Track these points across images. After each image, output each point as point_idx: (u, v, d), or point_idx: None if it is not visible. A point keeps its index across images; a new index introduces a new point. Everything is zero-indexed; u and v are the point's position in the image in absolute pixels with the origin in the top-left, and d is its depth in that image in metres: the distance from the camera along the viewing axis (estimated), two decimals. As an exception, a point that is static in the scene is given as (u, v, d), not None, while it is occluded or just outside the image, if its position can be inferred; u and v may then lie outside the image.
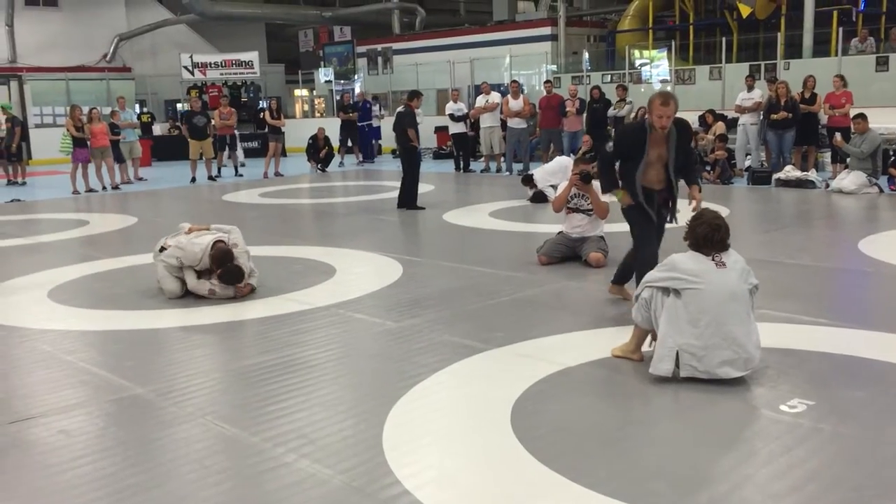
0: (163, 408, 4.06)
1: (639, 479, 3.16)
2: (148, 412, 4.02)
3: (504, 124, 15.54)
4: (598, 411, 3.86)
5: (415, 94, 11.36)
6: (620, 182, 5.26)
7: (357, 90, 21.75)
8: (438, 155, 19.74)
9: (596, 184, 6.94)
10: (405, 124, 10.91)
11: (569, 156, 12.74)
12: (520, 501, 3.03)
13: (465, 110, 16.29)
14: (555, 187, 10.46)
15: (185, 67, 23.68)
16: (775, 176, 12.25)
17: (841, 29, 16.71)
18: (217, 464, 3.43)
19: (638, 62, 20.61)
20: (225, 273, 6.07)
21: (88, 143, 14.61)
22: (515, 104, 15.15)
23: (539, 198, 11.12)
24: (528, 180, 11.43)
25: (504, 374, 4.37)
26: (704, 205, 4.81)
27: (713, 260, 4.10)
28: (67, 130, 14.79)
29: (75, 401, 4.21)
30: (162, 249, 6.36)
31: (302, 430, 3.72)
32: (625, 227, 8.59)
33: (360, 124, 18.93)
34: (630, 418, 3.76)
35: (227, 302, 6.08)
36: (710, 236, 4.12)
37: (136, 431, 3.80)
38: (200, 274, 6.19)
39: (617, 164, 5.33)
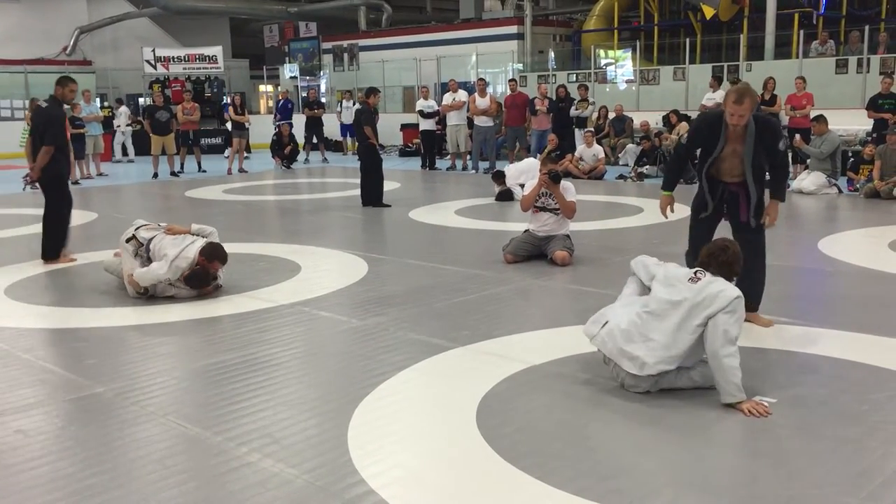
0: (123, 407, 3.99)
1: (604, 477, 3.17)
2: (108, 411, 3.95)
3: (470, 122, 15.56)
4: (563, 409, 3.86)
5: (372, 91, 11.27)
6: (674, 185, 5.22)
7: (280, 89, 21.16)
8: (404, 152, 19.70)
9: (564, 183, 6.99)
10: (362, 121, 10.85)
11: (535, 157, 12.79)
12: (486, 500, 3.03)
13: (437, 107, 16.28)
14: (523, 185, 10.52)
15: (148, 61, 23.35)
16: (737, 176, 12.39)
17: (802, 31, 17.00)
18: (179, 464, 3.38)
19: (603, 62, 20.77)
20: (191, 277, 5.96)
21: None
22: (482, 102, 15.17)
23: (505, 196, 11.16)
24: (499, 176, 11.45)
25: (470, 372, 4.36)
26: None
27: (695, 274, 3.98)
28: (28, 124, 14.48)
29: (33, 400, 4.12)
30: (129, 240, 6.19)
31: (266, 430, 3.67)
32: (591, 225, 8.72)
33: (279, 123, 17.97)
34: (596, 416, 3.77)
35: (190, 300, 5.99)
36: (715, 253, 4.04)
37: (96, 431, 3.73)
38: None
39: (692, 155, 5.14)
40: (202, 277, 5.99)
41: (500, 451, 3.37)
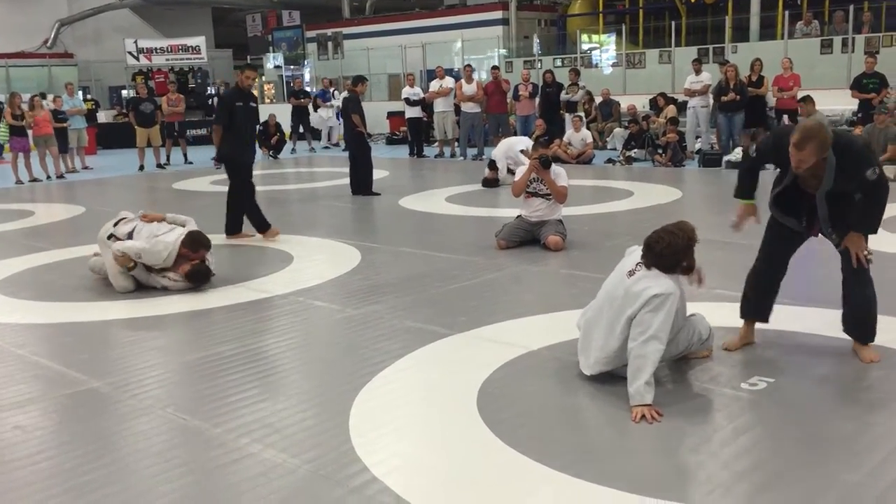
0: (120, 401, 3.96)
1: (605, 459, 3.18)
2: (105, 406, 3.93)
3: (458, 109, 15.51)
4: (563, 394, 3.87)
5: (359, 80, 11.22)
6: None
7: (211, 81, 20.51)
8: (391, 140, 19.62)
9: (554, 169, 6.98)
10: (350, 110, 10.80)
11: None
12: (489, 485, 3.03)
13: (422, 94, 16.21)
14: (512, 172, 10.55)
15: (130, 53, 23.13)
16: (725, 158, 12.43)
17: (787, 12, 17.01)
18: (179, 456, 3.36)
19: (586, 46, 20.72)
20: (193, 273, 5.93)
21: (29, 131, 14.19)
22: (469, 89, 15.12)
23: (490, 184, 11.17)
24: (494, 164, 11.44)
25: (468, 358, 4.36)
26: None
27: (635, 266, 3.79)
28: (4, 119, 14.36)
29: (29, 395, 4.09)
30: (111, 237, 6.15)
31: (266, 420, 3.66)
32: (582, 210, 8.71)
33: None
34: (595, 400, 3.77)
35: (183, 292, 5.95)
36: (650, 243, 3.74)
37: (94, 426, 3.71)
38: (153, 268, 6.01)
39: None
40: (204, 273, 5.96)
41: (501, 436, 3.37)
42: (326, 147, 19.08)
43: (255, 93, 8.72)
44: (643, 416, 3.46)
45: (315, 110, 18.98)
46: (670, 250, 3.69)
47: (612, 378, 3.92)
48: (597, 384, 3.91)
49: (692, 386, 3.89)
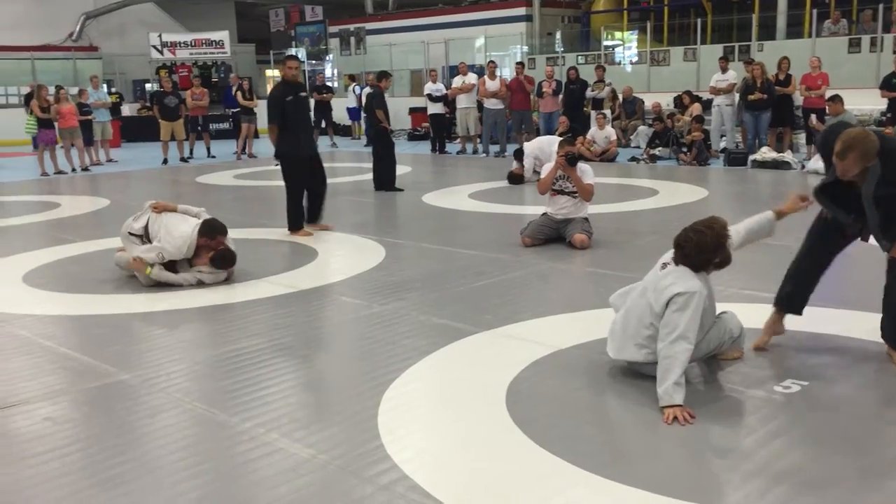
0: (150, 394, 3.97)
1: (635, 460, 3.14)
2: (135, 398, 3.93)
3: (480, 105, 15.46)
4: (593, 393, 3.83)
5: (383, 75, 11.21)
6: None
7: (233, 75, 19.93)
8: (413, 136, 19.61)
9: (580, 166, 6.93)
10: (374, 105, 10.79)
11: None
12: (517, 483, 3.00)
13: (444, 90, 16.18)
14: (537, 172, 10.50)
15: (154, 47, 23.25)
16: (751, 157, 12.31)
17: (814, 10, 16.82)
18: (207, 451, 3.36)
19: (606, 43, 20.60)
20: (218, 258, 5.93)
21: (55, 123, 14.31)
22: (492, 85, 15.07)
23: (516, 179, 11.12)
24: (520, 155, 11.40)
25: (496, 356, 4.33)
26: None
27: (670, 260, 3.78)
28: (32, 111, 14.47)
29: (59, 387, 4.11)
30: (131, 234, 6.18)
31: (293, 415, 3.66)
32: (607, 208, 8.65)
33: (232, 111, 17.42)
34: (626, 399, 3.73)
35: (209, 285, 5.96)
36: (679, 243, 3.72)
37: (123, 418, 3.71)
38: (179, 263, 6.01)
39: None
40: (229, 257, 5.97)
41: (531, 436, 3.34)
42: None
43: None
44: (675, 418, 3.42)
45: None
46: (697, 250, 3.66)
47: (643, 377, 3.88)
48: (627, 384, 3.87)
49: (724, 388, 3.84)
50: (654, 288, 3.72)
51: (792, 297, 4.29)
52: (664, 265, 3.79)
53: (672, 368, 3.49)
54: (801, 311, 4.30)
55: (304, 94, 7.88)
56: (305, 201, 7.94)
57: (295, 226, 7.85)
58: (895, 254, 3.90)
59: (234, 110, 17.02)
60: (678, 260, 3.71)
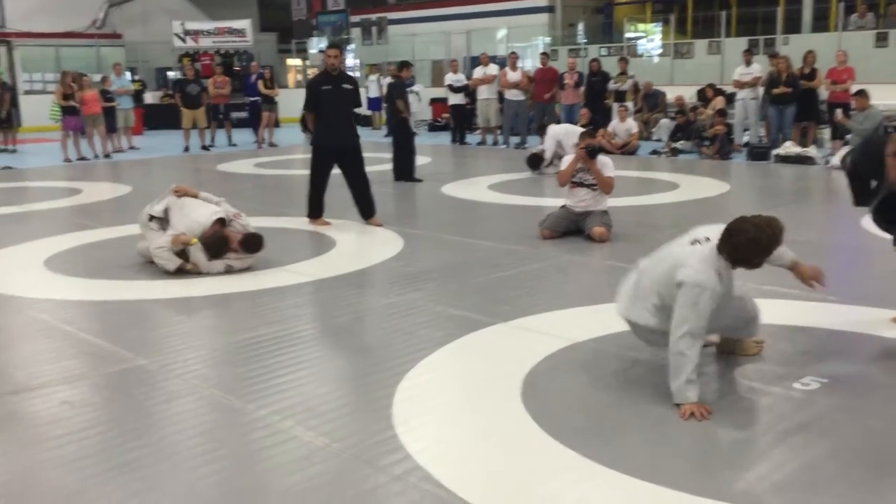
0: (167, 379, 4.00)
1: (656, 457, 3.12)
2: (152, 384, 3.96)
3: (501, 96, 15.41)
4: (610, 387, 3.80)
5: (404, 65, 11.19)
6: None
7: (254, 63, 19.24)
8: (434, 127, 19.57)
9: (601, 159, 6.89)
10: (394, 95, 10.77)
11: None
12: (532, 476, 2.99)
13: (465, 81, 16.14)
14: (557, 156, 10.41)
15: (177, 35, 23.36)
16: (774, 152, 12.19)
17: (841, 3, 16.60)
18: (224, 437, 3.38)
19: (628, 35, 20.45)
20: (248, 241, 5.93)
21: (79, 110, 14.41)
22: (513, 76, 15.01)
23: (535, 162, 11.08)
24: (534, 162, 11.26)
25: (512, 348, 4.32)
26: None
27: (704, 239, 3.62)
28: (56, 98, 14.58)
29: (77, 371, 4.14)
30: (151, 218, 6.19)
31: (308, 404, 3.66)
32: (627, 201, 8.60)
33: (251, 99, 17.24)
34: (643, 395, 3.70)
35: (228, 273, 5.98)
36: (730, 229, 3.53)
37: (141, 403, 3.74)
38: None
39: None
40: (257, 241, 5.97)
41: (546, 428, 3.33)
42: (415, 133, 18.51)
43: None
44: (692, 414, 3.39)
45: None
46: (749, 244, 3.45)
47: (660, 372, 3.86)
48: (643, 378, 3.85)
49: (742, 384, 3.80)
50: (675, 261, 3.59)
51: None
52: (696, 241, 3.62)
53: (683, 366, 3.45)
54: None
55: (348, 85, 7.69)
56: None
57: (313, 214, 7.84)
58: None
59: (253, 99, 17.01)
60: (721, 247, 3.50)
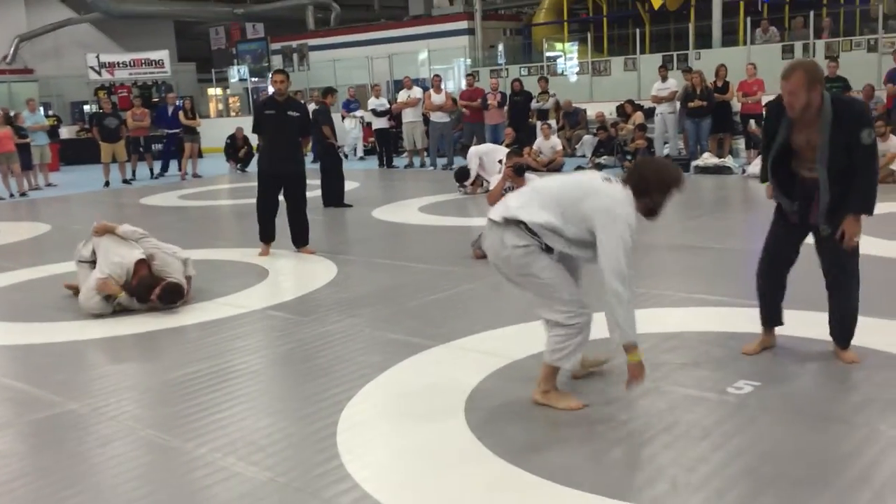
0: (100, 423, 3.87)
1: (595, 467, 3.16)
2: (84, 428, 3.83)
3: (426, 119, 15.50)
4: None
5: (329, 91, 11.22)
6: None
7: (171, 94, 18.64)
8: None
9: (528, 176, 6.98)
10: (321, 121, 10.75)
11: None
12: (482, 498, 3.00)
13: (388, 105, 16.19)
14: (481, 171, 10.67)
15: (92, 68, 22.81)
16: (693, 163, 12.55)
17: (748, 19, 17.26)
18: (163, 479, 3.28)
19: (550, 55, 20.86)
20: (166, 294, 5.75)
21: (-9, 148, 13.92)
22: (437, 98, 15.13)
23: (463, 175, 11.38)
24: (462, 175, 11.49)
25: (452, 369, 4.33)
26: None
27: (611, 179, 3.65)
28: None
29: (3, 419, 3.98)
30: (81, 262, 6.03)
31: (250, 438, 3.59)
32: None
33: (168, 132, 16.62)
34: (584, 408, 3.75)
35: (159, 310, 5.82)
36: (637, 162, 3.80)
37: (73, 449, 3.61)
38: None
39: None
40: (176, 290, 5.81)
41: (492, 448, 3.34)
42: (362, 158, 18.28)
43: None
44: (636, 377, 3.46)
45: (342, 120, 17.90)
46: (657, 174, 3.54)
47: (601, 386, 3.92)
48: (583, 391, 3.89)
49: (675, 392, 3.88)
50: (590, 188, 3.52)
51: (770, 309, 4.30)
52: (606, 178, 3.61)
53: (621, 302, 3.39)
54: (783, 321, 4.31)
55: (295, 112, 7.49)
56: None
57: (263, 238, 7.65)
58: (846, 227, 3.81)
59: (171, 131, 16.62)
60: (629, 178, 3.57)
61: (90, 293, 5.73)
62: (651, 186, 3.53)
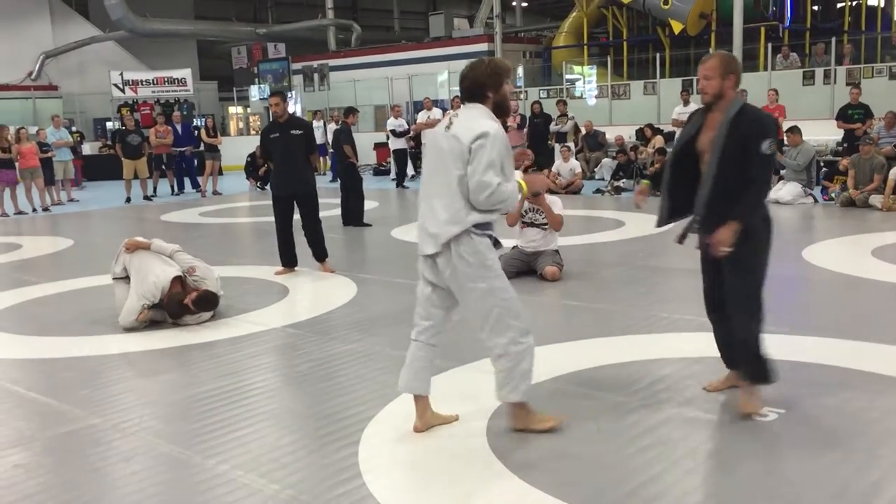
0: (122, 438, 3.89)
1: (621, 496, 3.14)
2: (107, 443, 3.85)
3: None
4: (576, 427, 3.81)
5: (350, 111, 11.30)
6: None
7: (176, 113, 18.35)
8: (378, 171, 19.65)
9: (550, 197, 7.00)
10: (342, 141, 10.82)
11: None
12: (506, 521, 2.99)
13: (406, 126, 16.28)
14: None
15: (116, 85, 23.11)
16: (713, 188, 12.49)
17: (769, 45, 17.26)
18: (186, 495, 3.29)
19: (570, 77, 20.94)
20: (200, 301, 5.81)
21: (16, 164, 14.11)
22: (457, 120, 15.18)
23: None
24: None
25: (473, 390, 4.31)
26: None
27: (448, 121, 3.58)
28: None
29: (29, 433, 4.00)
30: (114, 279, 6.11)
31: (271, 455, 3.60)
32: (575, 240, 8.72)
33: (179, 150, 16.60)
34: (610, 434, 3.72)
35: (180, 325, 5.87)
36: (460, 76, 3.60)
37: (97, 463, 3.63)
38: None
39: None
40: (210, 299, 5.88)
41: (513, 469, 3.33)
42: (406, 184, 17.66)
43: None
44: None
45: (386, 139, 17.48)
46: (489, 68, 3.53)
47: (622, 410, 3.90)
48: (606, 416, 3.87)
49: (702, 418, 3.85)
50: (453, 145, 3.48)
51: (724, 358, 4.13)
52: (448, 126, 3.55)
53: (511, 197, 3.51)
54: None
55: (297, 131, 7.56)
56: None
57: (284, 263, 7.73)
58: (715, 248, 3.64)
59: (181, 149, 16.72)
60: (464, 97, 3.57)
61: (129, 316, 5.79)
62: (481, 81, 3.53)
